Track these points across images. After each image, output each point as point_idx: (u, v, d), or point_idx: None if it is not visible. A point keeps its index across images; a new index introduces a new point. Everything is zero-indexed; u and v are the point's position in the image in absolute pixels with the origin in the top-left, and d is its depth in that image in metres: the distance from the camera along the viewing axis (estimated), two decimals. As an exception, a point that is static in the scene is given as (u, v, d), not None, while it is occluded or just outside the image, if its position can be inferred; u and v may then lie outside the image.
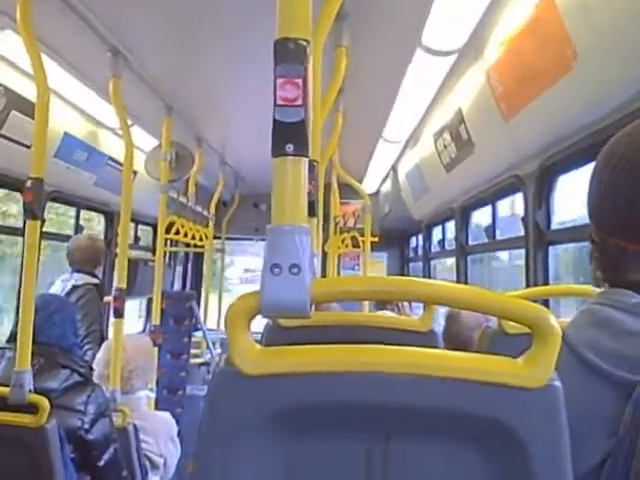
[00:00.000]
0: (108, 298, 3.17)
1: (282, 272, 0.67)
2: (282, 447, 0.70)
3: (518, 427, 0.66)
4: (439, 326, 2.10)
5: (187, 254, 6.25)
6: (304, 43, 0.70)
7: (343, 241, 4.71)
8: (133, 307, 5.51)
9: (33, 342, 1.79)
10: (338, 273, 5.72)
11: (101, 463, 1.90)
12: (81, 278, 3.27)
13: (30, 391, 1.72)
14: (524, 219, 2.67)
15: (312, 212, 1.41)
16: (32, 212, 1.82)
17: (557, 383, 0.67)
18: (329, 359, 0.69)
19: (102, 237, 4.33)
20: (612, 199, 0.84)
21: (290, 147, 0.69)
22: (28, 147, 1.92)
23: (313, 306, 1.83)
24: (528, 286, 2.60)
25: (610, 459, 0.74)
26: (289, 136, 0.69)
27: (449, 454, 0.70)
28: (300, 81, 0.68)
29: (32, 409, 1.68)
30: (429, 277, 5.12)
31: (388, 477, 0.70)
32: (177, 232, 4.24)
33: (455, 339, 2.21)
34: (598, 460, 0.76)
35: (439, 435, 0.70)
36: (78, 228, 4.08)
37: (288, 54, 0.69)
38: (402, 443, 0.70)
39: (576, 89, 1.87)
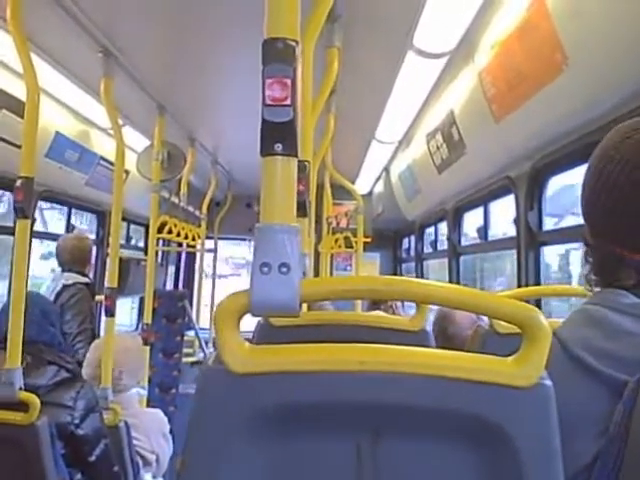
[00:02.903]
0: (100, 297, 3.17)
1: (271, 271, 0.67)
2: (272, 445, 0.70)
3: (508, 425, 0.66)
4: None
5: (179, 254, 6.25)
6: (293, 43, 0.70)
7: (336, 241, 4.72)
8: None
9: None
10: (331, 273, 5.73)
11: (92, 458, 1.89)
12: (71, 277, 3.26)
13: (20, 389, 1.72)
14: (516, 220, 2.69)
15: (303, 212, 1.42)
16: (22, 211, 1.82)
17: (547, 382, 0.67)
18: (319, 358, 0.69)
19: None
20: (612, 207, 0.82)
21: (279, 147, 0.69)
22: (19, 147, 1.92)
23: (303, 305, 1.82)
24: (520, 286, 2.62)
25: (600, 459, 0.74)
26: (278, 136, 0.69)
27: (440, 452, 0.70)
28: (289, 81, 0.68)
29: (22, 407, 1.67)
30: (422, 278, 5.13)
31: (379, 475, 0.70)
32: (170, 232, 4.24)
33: (453, 339, 2.22)
34: (589, 459, 0.75)
35: (430, 433, 0.70)
36: (69, 227, 4.07)
37: (277, 54, 0.69)
38: (392, 441, 0.70)
39: (566, 92, 1.88)
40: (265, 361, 0.68)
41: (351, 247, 4.54)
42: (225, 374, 0.67)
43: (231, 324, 0.68)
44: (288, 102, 0.68)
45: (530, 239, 2.58)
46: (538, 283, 2.56)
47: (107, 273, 2.65)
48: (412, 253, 5.61)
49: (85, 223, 4.42)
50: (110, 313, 2.57)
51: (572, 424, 0.76)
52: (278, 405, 0.68)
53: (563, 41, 1.73)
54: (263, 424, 0.68)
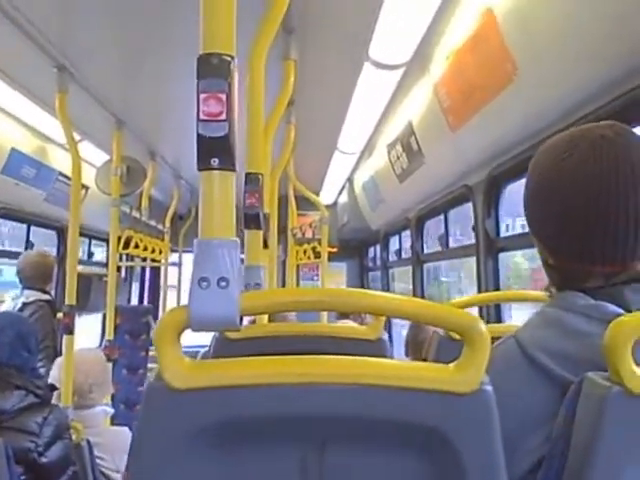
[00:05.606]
0: (61, 314, 3.10)
1: (210, 286, 0.67)
2: (215, 461, 0.69)
3: (450, 432, 0.67)
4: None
5: (143, 269, 6.16)
6: (228, 58, 0.70)
7: (305, 252, 4.71)
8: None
9: None
10: (297, 284, 5.72)
11: None
12: (32, 295, 3.19)
13: None
14: (474, 227, 2.73)
15: (256, 225, 1.41)
16: None
17: (488, 387, 0.68)
18: (261, 371, 0.69)
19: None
20: (563, 224, 0.84)
21: (215, 161, 0.69)
22: None
23: (264, 317, 1.79)
24: (480, 292, 2.65)
25: (546, 460, 0.75)
26: (213, 150, 0.69)
27: (385, 461, 0.70)
28: (224, 96, 0.68)
29: None
30: (387, 286, 5.17)
31: None
32: (136, 246, 4.18)
33: (422, 345, 2.23)
34: (536, 462, 0.76)
35: (374, 443, 0.71)
36: (28, 244, 3.99)
37: (211, 69, 0.69)
38: (337, 452, 0.70)
39: (517, 101, 1.93)
40: (205, 376, 0.68)
41: (318, 257, 4.54)
42: (165, 390, 0.67)
43: (171, 340, 0.68)
44: (223, 117, 0.68)
45: (488, 246, 2.61)
46: (497, 288, 2.59)
47: (66, 290, 2.60)
48: (378, 262, 5.64)
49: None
50: (69, 331, 2.52)
51: (526, 424, 0.78)
52: (219, 420, 0.68)
53: (512, 52, 1.77)
54: (205, 440, 0.67)
